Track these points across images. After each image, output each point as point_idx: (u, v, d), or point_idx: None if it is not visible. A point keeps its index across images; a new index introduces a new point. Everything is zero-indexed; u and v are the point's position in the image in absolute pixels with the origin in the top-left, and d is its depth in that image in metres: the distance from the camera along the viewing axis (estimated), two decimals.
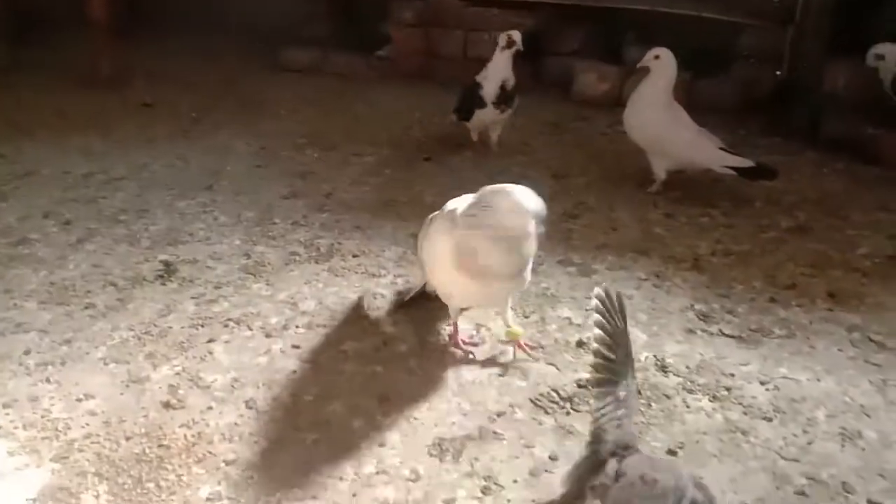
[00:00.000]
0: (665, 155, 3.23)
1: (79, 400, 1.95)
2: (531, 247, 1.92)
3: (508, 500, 1.67)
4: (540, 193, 1.91)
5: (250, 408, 1.94)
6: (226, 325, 2.29)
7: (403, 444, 1.82)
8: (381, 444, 1.82)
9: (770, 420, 1.92)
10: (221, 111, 4.48)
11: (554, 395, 1.99)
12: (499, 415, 1.93)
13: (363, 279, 2.57)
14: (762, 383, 2.06)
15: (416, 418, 1.91)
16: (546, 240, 2.08)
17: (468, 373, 2.09)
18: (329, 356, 2.15)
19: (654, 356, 2.15)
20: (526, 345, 2.16)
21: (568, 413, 1.93)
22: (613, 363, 1.55)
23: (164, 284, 2.52)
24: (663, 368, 2.10)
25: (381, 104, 4.68)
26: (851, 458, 1.80)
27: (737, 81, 4.58)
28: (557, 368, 2.11)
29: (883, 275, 2.65)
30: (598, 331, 1.56)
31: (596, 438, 1.50)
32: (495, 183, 1.94)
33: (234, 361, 2.12)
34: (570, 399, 1.97)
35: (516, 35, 3.58)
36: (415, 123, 4.27)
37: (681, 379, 2.06)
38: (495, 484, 1.71)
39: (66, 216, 3.03)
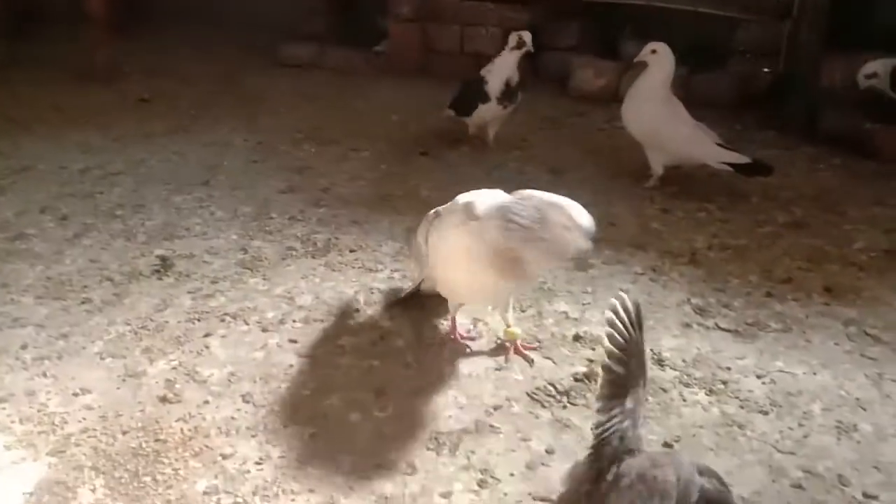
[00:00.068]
0: (662, 150, 3.23)
1: (75, 394, 1.95)
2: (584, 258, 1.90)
3: (505, 494, 1.67)
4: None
5: (247, 402, 1.94)
6: (222, 320, 2.29)
7: (400, 437, 1.83)
8: (378, 438, 1.82)
9: (766, 413, 1.92)
10: (219, 106, 4.47)
11: (550, 388, 1.99)
12: (495, 408, 1.93)
13: (360, 274, 2.57)
14: (758, 377, 2.06)
15: (412, 412, 1.91)
16: None
17: (465, 367, 2.09)
18: (326, 350, 2.16)
19: (651, 350, 2.15)
20: (523, 346, 2.16)
21: (564, 407, 1.93)
22: (624, 378, 1.46)
23: (160, 279, 2.52)
24: (660, 362, 2.11)
25: (379, 99, 4.67)
26: (847, 451, 1.80)
27: (733, 76, 4.59)
28: (554, 362, 2.11)
29: (879, 269, 2.66)
30: (608, 344, 1.47)
31: (598, 452, 1.43)
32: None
33: (231, 356, 2.12)
34: (566, 393, 1.98)
35: (527, 36, 3.57)
36: (412, 118, 4.27)
37: (677, 373, 2.07)
38: (492, 477, 1.71)
39: (62, 211, 3.03)
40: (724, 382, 2.03)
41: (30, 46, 5.42)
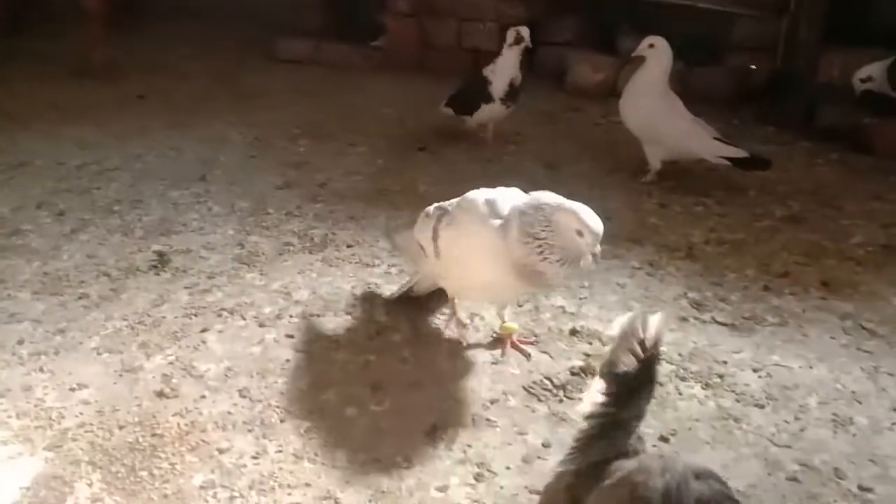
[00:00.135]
0: (660, 144, 3.24)
1: (72, 389, 1.95)
2: (596, 262, 1.87)
3: (501, 487, 1.67)
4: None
5: (244, 397, 1.94)
6: (219, 315, 2.29)
7: (396, 431, 1.83)
8: (375, 432, 1.83)
9: (762, 407, 1.93)
10: (216, 102, 4.46)
11: (547, 382, 2.00)
12: (492, 402, 1.94)
13: (357, 269, 2.57)
14: (755, 371, 2.07)
15: (409, 406, 1.91)
16: None
17: (461, 361, 2.09)
18: (322, 345, 2.16)
19: None
20: (519, 341, 2.16)
21: (561, 401, 1.94)
22: (617, 416, 1.36)
23: (157, 274, 2.52)
24: (659, 349, 2.10)
25: (376, 94, 4.66)
26: (843, 444, 1.81)
27: (731, 72, 4.58)
28: (551, 356, 2.11)
29: (876, 263, 2.67)
30: (601, 384, 1.34)
31: (581, 451, 1.39)
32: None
33: (228, 351, 2.12)
34: (563, 387, 1.98)
35: (524, 31, 3.54)
36: (409, 114, 4.26)
37: (674, 366, 2.07)
38: (488, 471, 1.71)
39: (59, 207, 3.02)
40: (721, 376, 2.03)
41: (27, 43, 5.40)
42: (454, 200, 2.09)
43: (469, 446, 1.78)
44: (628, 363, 1.37)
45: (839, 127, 3.84)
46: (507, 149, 3.71)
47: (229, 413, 1.88)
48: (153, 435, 1.80)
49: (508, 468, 1.72)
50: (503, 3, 4.93)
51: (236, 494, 1.64)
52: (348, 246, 2.72)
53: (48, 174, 3.36)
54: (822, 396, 1.97)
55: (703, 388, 1.99)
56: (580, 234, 1.79)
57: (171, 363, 2.06)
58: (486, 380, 2.02)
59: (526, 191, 1.99)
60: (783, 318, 2.32)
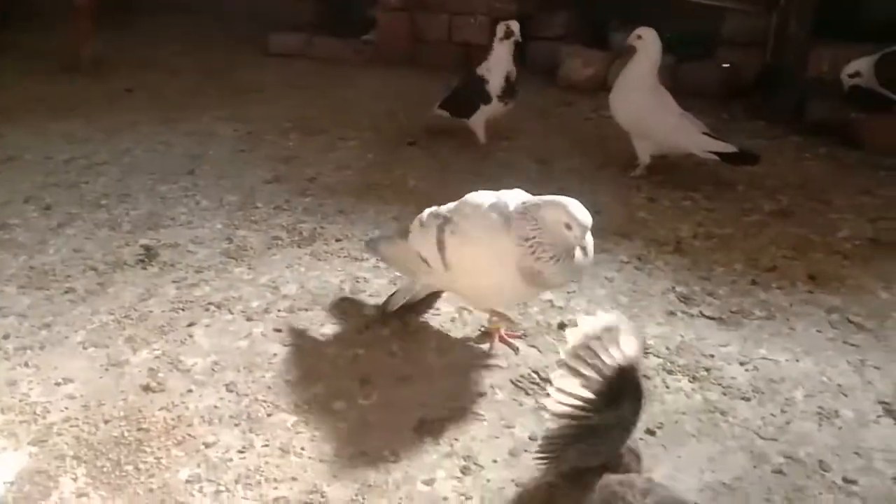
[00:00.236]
0: (649, 138, 3.24)
1: (57, 384, 1.94)
2: (586, 255, 1.85)
3: (488, 480, 1.67)
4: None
5: (231, 391, 1.93)
6: (206, 309, 2.28)
7: (384, 425, 1.82)
8: (362, 426, 1.82)
9: (749, 400, 1.93)
10: (206, 96, 4.46)
11: (534, 376, 2.00)
12: (480, 396, 1.93)
13: (346, 263, 2.57)
14: (741, 364, 2.07)
15: (397, 400, 1.91)
16: None
17: (449, 355, 2.09)
18: (310, 339, 2.15)
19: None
20: (507, 335, 2.16)
21: (548, 394, 1.93)
22: (592, 421, 1.38)
23: (144, 269, 2.51)
24: (644, 350, 2.11)
25: (367, 89, 4.66)
26: (828, 436, 1.81)
27: (721, 66, 4.58)
28: (539, 350, 2.11)
29: (863, 257, 2.67)
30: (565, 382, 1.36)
31: (550, 455, 1.40)
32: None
33: (215, 345, 2.12)
34: (550, 380, 1.97)
35: (514, 25, 3.48)
36: (400, 108, 4.25)
37: (661, 360, 2.07)
38: (475, 464, 1.71)
39: (46, 201, 3.01)
40: (708, 369, 2.04)
41: (16, 37, 5.38)
42: (450, 206, 2.04)
43: (456, 440, 1.78)
44: (597, 368, 1.37)
45: (828, 122, 3.85)
46: (499, 144, 3.71)
47: (216, 407, 1.87)
48: (139, 429, 1.79)
49: (495, 461, 1.72)
50: None
51: (222, 488, 1.63)
52: (337, 240, 2.72)
53: (36, 169, 3.35)
54: (808, 389, 1.97)
55: (690, 382, 1.99)
56: (568, 227, 1.77)
57: (157, 357, 2.06)
58: (473, 374, 2.02)
59: (520, 188, 1.99)
60: (770, 311, 2.33)
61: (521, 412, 1.88)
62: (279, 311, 2.28)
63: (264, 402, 1.90)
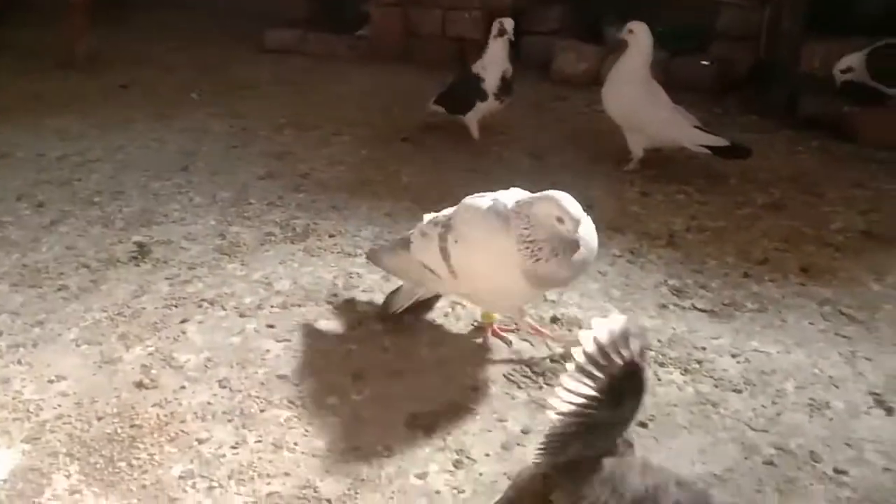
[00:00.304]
0: (641, 132, 3.24)
1: (50, 381, 1.94)
2: (587, 250, 1.83)
3: (480, 474, 1.68)
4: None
5: (224, 387, 1.94)
6: (199, 306, 2.28)
7: (376, 420, 1.83)
8: (355, 421, 1.83)
9: (740, 392, 1.94)
10: (200, 92, 4.44)
11: (527, 370, 2.00)
12: (472, 390, 1.94)
13: (339, 259, 2.57)
14: (733, 356, 2.08)
15: (389, 395, 1.91)
16: None
17: (441, 349, 2.10)
18: (303, 335, 2.15)
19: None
20: (500, 329, 2.16)
21: (541, 388, 1.94)
22: (595, 418, 1.33)
23: (137, 265, 2.51)
24: (644, 359, 2.11)
25: (361, 84, 4.66)
26: (819, 427, 1.82)
27: (715, 60, 4.58)
28: (531, 344, 2.12)
29: (855, 250, 2.68)
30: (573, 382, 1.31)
31: (553, 448, 1.37)
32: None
33: (208, 341, 2.12)
34: (543, 374, 1.98)
35: (508, 23, 3.46)
36: (394, 104, 4.25)
37: (653, 353, 2.08)
38: (467, 458, 1.72)
39: (39, 198, 3.01)
40: (699, 362, 2.04)
41: (10, 33, 5.36)
42: (449, 211, 2.03)
43: (448, 434, 1.79)
44: (606, 369, 1.37)
45: (821, 115, 3.85)
46: (492, 139, 3.71)
47: (209, 403, 1.88)
48: (132, 426, 1.79)
49: (488, 455, 1.73)
50: None
51: (215, 484, 1.64)
52: (330, 236, 2.72)
53: (29, 166, 3.34)
54: (799, 381, 1.98)
55: (682, 374, 2.00)
56: (560, 220, 1.76)
57: (150, 354, 2.06)
58: (466, 367, 2.02)
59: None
60: (762, 304, 2.33)
61: (514, 406, 1.88)
62: (272, 307, 2.28)
63: (257, 397, 1.90)
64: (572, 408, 1.42)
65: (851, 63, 3.73)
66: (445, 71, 4.15)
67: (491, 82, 3.49)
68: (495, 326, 2.15)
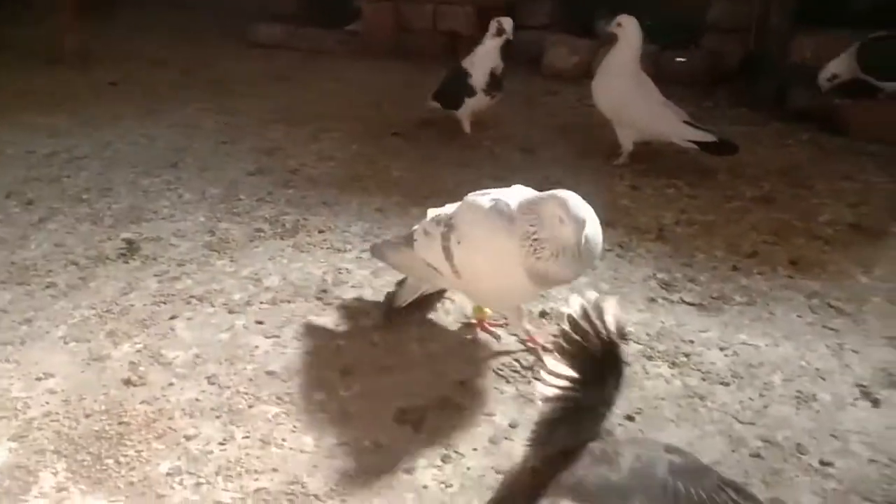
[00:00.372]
0: (630, 126, 3.25)
1: (38, 379, 1.94)
2: (590, 252, 1.81)
3: (468, 468, 1.68)
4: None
5: (212, 383, 1.93)
6: (188, 302, 2.28)
7: (365, 415, 1.83)
8: (343, 417, 1.83)
9: (727, 385, 1.94)
10: (189, 89, 4.44)
11: (515, 364, 2.01)
12: (461, 384, 1.94)
13: (328, 254, 2.57)
14: (721, 349, 2.08)
15: (378, 390, 1.91)
16: None
17: (431, 344, 2.10)
18: (292, 331, 2.15)
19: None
20: (489, 323, 2.16)
21: (529, 382, 1.94)
22: (580, 401, 1.37)
23: (126, 262, 2.51)
24: (624, 337, 2.11)
25: (351, 79, 4.65)
26: (805, 420, 1.83)
27: (705, 54, 4.59)
28: (520, 339, 2.12)
29: (844, 242, 2.69)
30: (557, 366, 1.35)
31: (541, 438, 1.40)
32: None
33: (197, 338, 2.12)
34: (531, 368, 1.99)
35: (507, 23, 3.42)
36: (384, 99, 4.25)
37: (641, 346, 2.08)
38: (455, 452, 1.72)
39: (28, 195, 3.00)
40: (687, 355, 2.05)
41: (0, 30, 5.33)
42: (451, 209, 2.01)
43: (437, 428, 1.79)
44: (586, 347, 1.37)
45: (811, 108, 3.86)
46: (483, 133, 3.70)
47: (197, 400, 1.87)
48: (120, 423, 1.79)
49: (475, 449, 1.73)
50: None
51: (203, 481, 1.64)
52: (320, 231, 2.72)
53: (18, 163, 3.33)
54: (786, 374, 1.99)
55: (670, 368, 2.01)
56: (562, 220, 1.73)
57: (139, 351, 2.06)
58: (454, 362, 2.02)
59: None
60: (751, 297, 2.34)
61: (502, 400, 1.89)
62: (261, 303, 2.28)
63: (245, 394, 1.90)
64: (557, 391, 1.43)
65: (836, 70, 3.72)
66: (438, 66, 4.14)
67: (479, 78, 3.47)
68: (486, 322, 2.15)
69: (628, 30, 3.14)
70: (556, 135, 3.73)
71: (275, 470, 1.67)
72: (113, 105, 4.11)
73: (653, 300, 2.32)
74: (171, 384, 1.93)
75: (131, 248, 2.59)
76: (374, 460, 1.70)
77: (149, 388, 1.92)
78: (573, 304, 1.37)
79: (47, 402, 1.86)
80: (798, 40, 4.17)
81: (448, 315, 2.23)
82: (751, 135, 3.56)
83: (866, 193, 3.06)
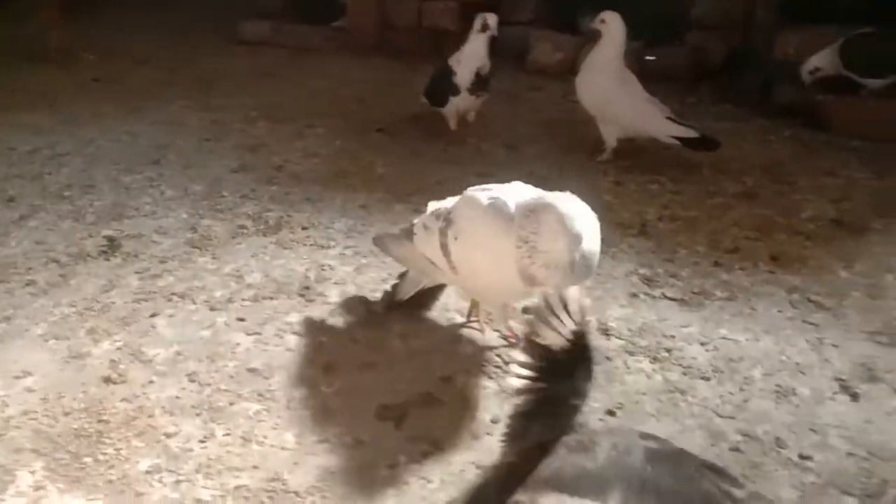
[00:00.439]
0: (614, 122, 3.25)
1: (17, 377, 1.92)
2: (585, 264, 1.78)
3: (449, 464, 1.68)
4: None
5: (192, 381, 1.92)
6: (169, 300, 2.26)
7: (346, 412, 1.83)
8: (325, 413, 1.82)
9: (708, 379, 1.95)
10: (173, 86, 4.42)
11: (497, 359, 2.01)
12: (443, 380, 1.94)
13: (312, 251, 2.56)
14: (702, 344, 2.09)
15: (359, 387, 1.91)
16: None
17: (413, 340, 2.10)
18: (274, 328, 2.14)
19: (597, 320, 2.17)
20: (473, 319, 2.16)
21: (510, 373, 1.94)
22: (549, 392, 1.38)
23: (107, 260, 2.49)
24: (605, 332, 2.13)
25: (336, 76, 4.64)
26: (785, 414, 1.84)
27: (689, 50, 4.61)
28: (502, 334, 2.12)
29: (825, 238, 2.71)
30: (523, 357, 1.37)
31: (517, 433, 1.41)
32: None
33: (178, 335, 2.11)
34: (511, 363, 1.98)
35: (492, 19, 3.37)
36: (369, 95, 4.24)
37: (622, 342, 2.09)
38: (437, 448, 1.72)
39: (9, 193, 2.98)
40: (668, 350, 2.06)
41: None
42: (450, 203, 2.00)
43: (418, 424, 1.79)
44: (550, 337, 1.38)
45: (795, 104, 3.88)
46: (468, 130, 3.69)
47: (177, 397, 1.86)
48: (99, 421, 1.78)
49: (457, 445, 1.73)
50: None
51: (182, 478, 1.63)
52: (303, 228, 2.71)
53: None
54: (766, 368, 2.00)
55: (651, 363, 2.01)
56: (558, 236, 1.70)
57: (119, 349, 2.04)
58: (437, 358, 2.03)
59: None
60: (732, 292, 2.35)
61: (484, 395, 1.89)
62: (243, 300, 2.27)
63: (226, 391, 1.89)
64: (526, 383, 1.44)
65: (819, 63, 3.75)
66: (423, 63, 4.13)
67: (464, 77, 3.42)
68: (479, 316, 2.14)
69: (612, 26, 3.15)
70: (540, 131, 3.73)
71: (255, 467, 1.66)
72: (96, 102, 4.08)
73: (635, 295, 2.32)
74: (151, 382, 1.92)
75: (112, 245, 2.57)
76: (355, 457, 1.69)
77: (129, 385, 1.90)
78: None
79: (25, 401, 1.84)
80: (783, 36, 4.18)
81: (431, 311, 2.23)
82: (734, 131, 3.57)
83: (848, 189, 3.08)
